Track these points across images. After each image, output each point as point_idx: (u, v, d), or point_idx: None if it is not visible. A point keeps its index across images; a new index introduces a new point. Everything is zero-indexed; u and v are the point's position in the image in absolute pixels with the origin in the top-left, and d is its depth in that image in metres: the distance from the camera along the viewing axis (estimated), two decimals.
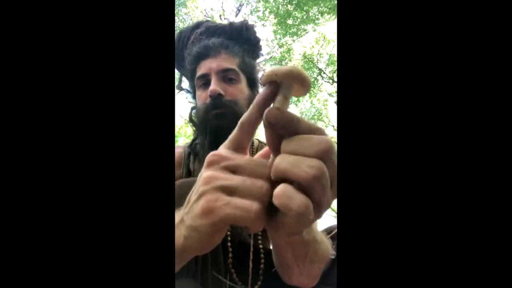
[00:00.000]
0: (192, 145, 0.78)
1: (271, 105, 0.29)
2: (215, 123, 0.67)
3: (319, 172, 0.24)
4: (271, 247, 0.79)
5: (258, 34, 0.83)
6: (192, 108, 0.81)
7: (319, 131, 0.27)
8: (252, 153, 0.79)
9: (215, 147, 0.30)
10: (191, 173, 0.74)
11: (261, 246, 0.69)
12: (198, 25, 0.83)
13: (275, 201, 0.25)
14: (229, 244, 0.65)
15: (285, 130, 0.27)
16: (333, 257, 0.45)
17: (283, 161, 0.26)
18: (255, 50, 0.82)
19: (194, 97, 0.79)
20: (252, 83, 0.77)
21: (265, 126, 0.28)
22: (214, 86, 0.69)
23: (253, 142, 0.80)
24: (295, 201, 0.24)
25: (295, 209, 0.24)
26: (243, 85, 0.74)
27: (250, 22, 0.83)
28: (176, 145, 0.86)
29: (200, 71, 0.74)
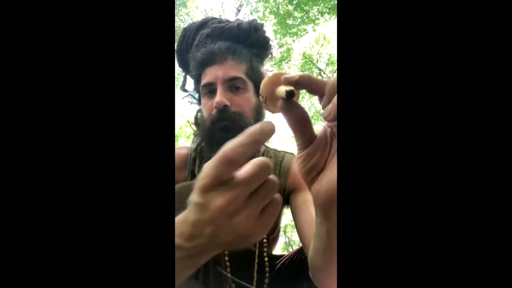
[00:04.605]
0: (197, 149, 0.75)
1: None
2: (221, 136, 0.65)
3: None
4: (274, 253, 0.79)
5: (267, 34, 0.78)
6: (198, 111, 0.79)
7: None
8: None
9: None
10: (195, 177, 0.72)
11: (265, 254, 0.67)
12: (203, 24, 0.78)
13: None
14: (226, 252, 0.64)
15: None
16: None
17: None
18: (264, 51, 0.77)
19: (199, 101, 0.77)
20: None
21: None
22: (220, 97, 0.66)
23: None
24: None
25: None
26: (250, 94, 0.71)
27: (258, 22, 0.77)
28: (176, 145, 0.84)
29: (206, 79, 0.70)
